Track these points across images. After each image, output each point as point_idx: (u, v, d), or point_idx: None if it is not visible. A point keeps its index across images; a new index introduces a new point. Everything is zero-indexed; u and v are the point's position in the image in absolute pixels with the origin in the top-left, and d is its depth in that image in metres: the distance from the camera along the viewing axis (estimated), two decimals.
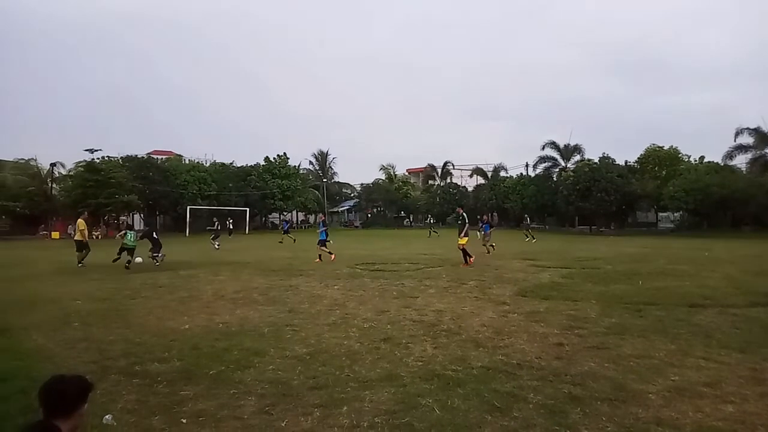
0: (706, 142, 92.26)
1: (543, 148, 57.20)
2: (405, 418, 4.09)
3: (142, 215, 56.86)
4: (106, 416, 4.05)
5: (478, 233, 21.81)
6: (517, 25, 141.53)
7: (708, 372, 5.17)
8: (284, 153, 62.42)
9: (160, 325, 7.65)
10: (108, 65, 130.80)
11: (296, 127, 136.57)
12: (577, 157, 55.44)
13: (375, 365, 5.50)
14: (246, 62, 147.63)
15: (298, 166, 66.97)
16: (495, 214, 63.69)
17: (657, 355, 5.80)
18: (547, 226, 57.53)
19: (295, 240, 31.80)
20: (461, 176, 72.12)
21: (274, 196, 58.04)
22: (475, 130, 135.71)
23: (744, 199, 40.18)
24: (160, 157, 61.07)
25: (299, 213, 69.22)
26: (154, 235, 17.83)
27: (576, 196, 48.16)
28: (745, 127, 44.10)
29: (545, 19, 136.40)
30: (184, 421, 4.08)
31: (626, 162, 52.17)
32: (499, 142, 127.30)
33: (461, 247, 16.00)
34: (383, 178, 73.37)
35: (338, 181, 78.80)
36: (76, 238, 17.60)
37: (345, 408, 4.30)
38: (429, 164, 73.11)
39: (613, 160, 50.71)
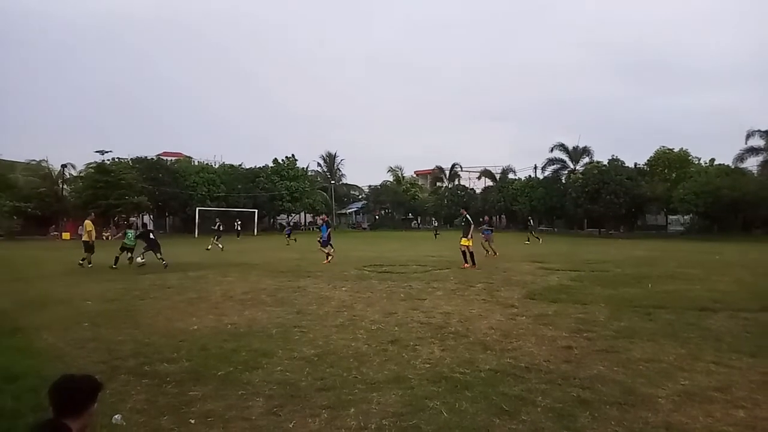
0: (717, 145, 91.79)
1: (552, 150, 57.18)
2: (412, 420, 4.08)
3: (151, 216, 57.24)
4: (116, 416, 4.07)
5: (481, 234, 21.70)
6: (525, 25, 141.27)
7: (718, 376, 5.12)
8: (292, 155, 62.77)
9: (169, 326, 7.68)
10: (117, 68, 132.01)
11: (304, 129, 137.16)
12: (586, 160, 55.34)
13: (383, 367, 5.50)
14: (252, 65, 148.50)
15: (307, 167, 67.26)
16: (503, 216, 63.63)
17: (667, 359, 5.75)
18: (555, 229, 57.34)
19: (295, 240, 31.87)
20: (469, 178, 72.09)
21: (282, 197, 58.29)
22: (483, 132, 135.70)
23: (755, 202, 39.82)
24: (169, 158, 61.59)
25: (307, 215, 69.38)
26: (151, 236, 17.91)
27: (585, 199, 47.99)
28: (757, 129, 43.88)
29: (554, 20, 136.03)
30: (193, 421, 4.10)
31: (636, 164, 51.96)
32: (507, 144, 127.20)
33: (463, 249, 15.94)
34: (391, 180, 73.49)
35: (346, 183, 79.03)
36: (83, 239, 17.72)
37: (352, 410, 4.30)
38: (437, 166, 73.14)
39: (623, 163, 50.52)
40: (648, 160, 51.67)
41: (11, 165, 48.79)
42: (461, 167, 71.50)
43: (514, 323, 7.77)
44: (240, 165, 61.98)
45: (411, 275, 14.05)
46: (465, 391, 4.71)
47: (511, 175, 63.28)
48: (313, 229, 62.73)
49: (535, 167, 60.60)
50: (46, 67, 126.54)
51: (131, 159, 52.92)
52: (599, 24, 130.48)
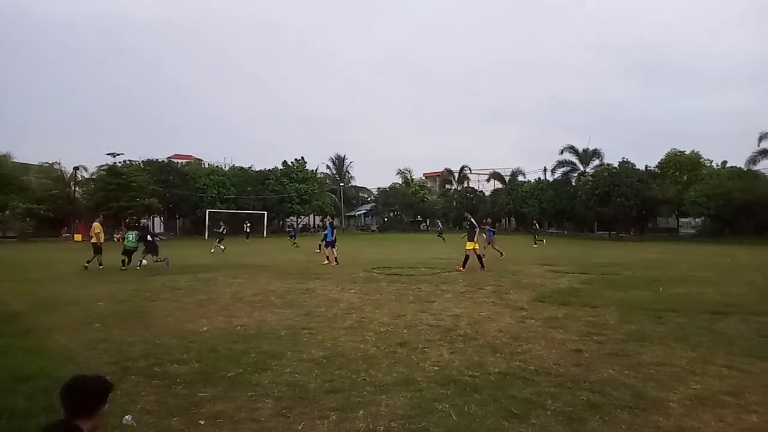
0: (729, 147, 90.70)
1: (561, 153, 56.90)
2: (421, 423, 4.07)
3: (162, 218, 57.67)
4: (126, 417, 4.10)
5: (484, 236, 21.62)
6: (534, 26, 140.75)
7: (731, 380, 5.07)
8: (302, 157, 62.94)
9: (179, 327, 7.72)
10: (129, 73, 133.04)
11: (313, 132, 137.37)
12: (596, 162, 55.06)
13: (391, 369, 5.49)
14: (261, 68, 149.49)
15: (316, 170, 67.39)
16: (512, 218, 63.42)
17: (678, 362, 5.70)
18: (565, 231, 57.04)
19: (298, 245, 31.97)
20: (478, 181, 72.01)
21: (291, 200, 58.46)
22: (493, 134, 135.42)
23: None
24: (180, 161, 62.02)
25: (316, 217, 69.52)
26: (149, 238, 18.02)
27: (595, 201, 47.72)
28: None
29: (564, 20, 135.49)
30: (202, 422, 4.12)
31: (646, 167, 51.59)
32: (517, 147, 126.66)
33: (468, 253, 15.90)
34: (400, 182, 73.48)
35: (355, 185, 79.13)
36: (92, 241, 17.82)
37: (361, 412, 4.30)
38: (446, 168, 73.02)
39: (633, 165, 50.17)
40: (659, 163, 51.29)
41: (24, 167, 49.36)
42: (470, 169, 71.42)
43: (524, 326, 7.73)
44: (250, 167, 62.27)
45: (420, 277, 14.04)
46: (474, 394, 4.70)
47: (520, 178, 63.04)
48: (317, 231, 63.08)
49: (545, 169, 60.38)
50: (59, 71, 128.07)
51: (142, 161, 53.34)
52: (609, 25, 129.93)
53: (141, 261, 17.46)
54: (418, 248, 29.44)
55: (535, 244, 31.95)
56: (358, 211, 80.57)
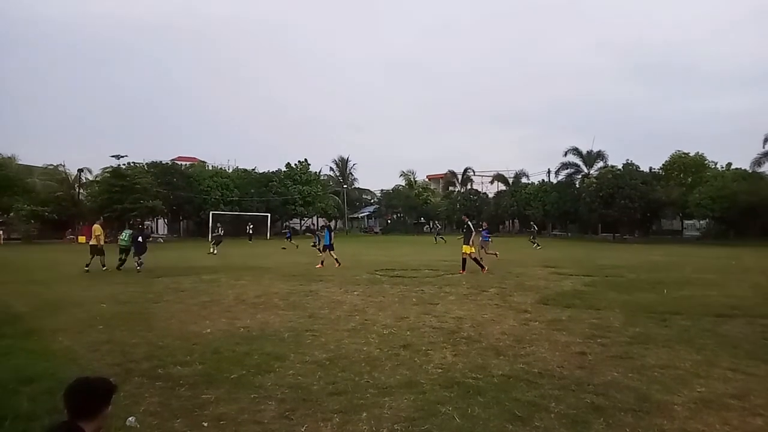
0: (734, 149, 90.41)
1: (565, 155, 56.75)
2: (425, 425, 4.06)
3: (166, 220, 57.81)
4: (130, 418, 4.10)
5: (480, 239, 21.56)
6: (538, 27, 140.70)
7: (735, 383, 5.05)
8: (305, 159, 62.96)
9: (183, 329, 7.74)
10: (134, 76, 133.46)
11: (317, 134, 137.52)
12: (600, 164, 54.87)
13: (395, 372, 5.49)
14: (264, 71, 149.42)
15: (319, 172, 67.43)
16: (516, 220, 63.34)
17: (682, 365, 5.68)
18: (569, 234, 56.91)
19: (297, 246, 31.81)
20: (482, 182, 71.81)
21: (295, 202, 58.50)
22: (496, 137, 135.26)
23: None
24: (184, 163, 62.20)
25: (319, 218, 69.57)
26: (139, 239, 18.12)
27: (599, 203, 47.60)
28: None
29: (569, 22, 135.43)
30: (206, 424, 4.12)
31: (651, 168, 51.44)
32: (520, 149, 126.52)
33: (465, 256, 15.92)
34: (403, 184, 73.47)
35: (358, 187, 79.13)
36: (91, 242, 17.81)
37: (364, 414, 4.30)
38: (449, 170, 72.99)
39: (637, 167, 50.03)
40: (663, 165, 51.16)
41: (29, 169, 49.51)
42: (474, 171, 71.26)
43: (527, 328, 7.72)
44: (253, 169, 62.36)
45: (423, 279, 14.03)
46: (477, 396, 4.69)
47: (524, 180, 62.89)
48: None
49: (549, 171, 60.23)
50: (63, 74, 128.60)
51: (146, 163, 53.44)
52: (614, 26, 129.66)
53: (139, 263, 17.64)
54: (422, 250, 29.43)
55: (539, 246, 31.92)
56: (362, 213, 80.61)
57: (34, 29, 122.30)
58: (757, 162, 44.18)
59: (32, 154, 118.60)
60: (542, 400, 4.59)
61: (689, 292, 11.48)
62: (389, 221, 74.07)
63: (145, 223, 53.31)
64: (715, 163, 49.49)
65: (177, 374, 5.38)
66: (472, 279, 14.07)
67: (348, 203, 71.98)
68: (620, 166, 50.45)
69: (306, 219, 64.31)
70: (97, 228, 17.99)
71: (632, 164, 50.13)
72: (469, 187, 70.67)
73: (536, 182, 60.86)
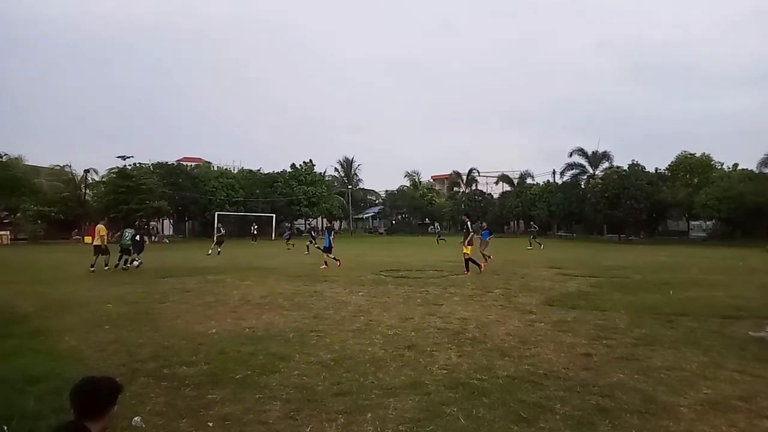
0: (740, 149, 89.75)
1: (570, 155, 56.60)
2: (429, 426, 4.06)
3: (171, 221, 57.99)
4: (135, 418, 4.12)
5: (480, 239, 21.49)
6: (541, 27, 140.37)
7: (742, 385, 5.02)
8: (310, 160, 63.06)
9: (188, 329, 7.76)
10: (140, 77, 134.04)
11: (322, 135, 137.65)
12: (606, 164, 54.68)
13: (399, 372, 5.49)
14: (268, 72, 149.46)
15: (324, 173, 67.53)
16: (521, 221, 63.19)
17: (688, 367, 5.65)
18: (574, 234, 56.74)
19: (294, 245, 31.83)
20: (487, 183, 71.74)
21: (300, 202, 58.60)
22: (501, 137, 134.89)
23: None
24: (189, 163, 62.37)
25: (324, 219, 69.66)
26: (137, 238, 18.34)
27: (604, 204, 47.45)
28: None
29: (572, 21, 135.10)
30: (211, 424, 4.13)
31: (656, 169, 51.24)
32: (525, 149, 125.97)
33: (466, 257, 15.93)
34: (408, 185, 73.45)
35: (363, 188, 79.18)
36: (95, 243, 17.84)
37: (369, 415, 4.30)
38: (454, 171, 72.86)
39: (643, 168, 49.84)
40: (669, 165, 50.96)
41: (36, 170, 49.83)
42: (478, 172, 71.14)
43: (533, 330, 7.70)
44: (258, 170, 62.51)
45: (428, 280, 14.02)
46: (482, 397, 4.68)
47: (529, 180, 62.76)
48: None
49: (554, 172, 60.07)
50: (69, 75, 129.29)
51: (152, 164, 53.67)
52: (620, 26, 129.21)
53: (138, 261, 17.84)
54: (426, 251, 29.41)
55: (530, 246, 32.02)
56: (366, 213, 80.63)
57: (39, 31, 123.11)
58: (764, 162, 43.89)
59: (39, 154, 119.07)
60: (547, 401, 4.58)
61: (695, 293, 11.42)
62: (394, 222, 74.08)
63: (151, 223, 53.55)
64: (722, 164, 49.26)
65: (182, 374, 5.40)
66: (476, 280, 14.05)
67: (353, 204, 72.03)
68: (626, 167, 50.29)
69: (311, 219, 64.37)
70: (101, 228, 18.06)
71: (638, 165, 49.96)
72: (473, 187, 70.57)
73: (541, 183, 60.73)
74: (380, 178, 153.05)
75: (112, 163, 53.13)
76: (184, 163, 61.15)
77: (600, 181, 50.77)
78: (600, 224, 52.88)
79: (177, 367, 5.68)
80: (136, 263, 17.97)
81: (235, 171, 61.24)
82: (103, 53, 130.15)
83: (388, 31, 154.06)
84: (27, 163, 49.71)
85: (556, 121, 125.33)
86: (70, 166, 53.23)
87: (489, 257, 19.57)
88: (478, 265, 15.90)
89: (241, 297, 11.03)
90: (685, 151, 50.36)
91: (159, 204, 46.71)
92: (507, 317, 8.68)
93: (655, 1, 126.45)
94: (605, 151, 55.28)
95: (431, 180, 79.43)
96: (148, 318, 8.71)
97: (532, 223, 42.31)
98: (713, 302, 10.08)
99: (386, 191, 78.22)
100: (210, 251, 26.11)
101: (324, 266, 17.85)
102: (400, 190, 73.26)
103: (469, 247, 16.00)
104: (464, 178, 71.50)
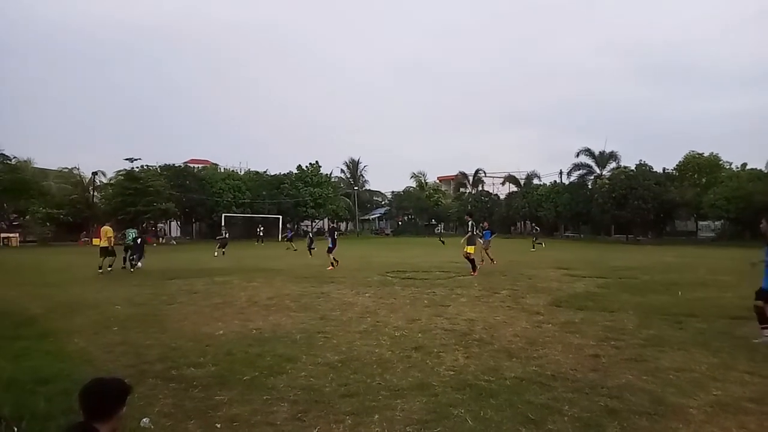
0: (749, 148, 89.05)
1: (577, 155, 56.39)
2: (437, 428, 4.05)
3: (179, 223, 58.25)
4: (144, 419, 4.14)
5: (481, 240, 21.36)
6: (548, 27, 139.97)
7: (753, 387, 4.97)
8: (316, 161, 63.23)
9: (196, 331, 7.79)
10: (148, 80, 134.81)
11: (328, 136, 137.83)
12: (613, 165, 54.45)
13: (406, 374, 5.48)
14: (275, 73, 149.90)
15: (330, 174, 67.63)
16: (528, 222, 62.97)
17: (698, 368, 5.61)
18: (582, 235, 56.49)
19: (296, 249, 31.31)
20: (493, 184, 71.56)
21: (306, 204, 58.71)
22: (507, 137, 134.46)
23: None
24: (196, 165, 62.67)
25: (327, 221, 69.77)
26: (138, 241, 18.57)
27: (612, 204, 47.22)
28: None
29: (577, 21, 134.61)
30: (219, 426, 4.14)
31: (664, 169, 50.96)
32: (532, 150, 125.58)
33: (470, 256, 15.89)
34: (414, 186, 73.38)
35: (369, 189, 79.17)
36: (102, 244, 17.89)
37: (376, 416, 4.29)
38: (460, 172, 72.79)
39: (651, 168, 49.57)
40: (677, 165, 50.71)
41: (44, 173, 50.29)
42: (485, 173, 71.02)
43: (540, 331, 7.67)
44: (265, 172, 62.76)
45: (434, 281, 14.00)
46: (490, 399, 4.67)
47: (535, 181, 62.53)
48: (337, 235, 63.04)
49: (561, 172, 59.89)
50: (77, 79, 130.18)
51: (159, 166, 53.95)
52: (617, 27, 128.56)
53: (137, 263, 18.04)
54: (432, 252, 29.37)
55: (533, 248, 31.92)
56: (373, 214, 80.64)
57: (48, 34, 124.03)
58: None
59: (47, 157, 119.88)
60: (555, 403, 4.56)
61: (704, 294, 11.35)
62: (400, 223, 74.04)
63: (159, 225, 53.84)
64: (730, 164, 48.96)
65: (190, 375, 5.42)
66: (483, 281, 14.02)
67: (359, 205, 72.06)
68: (633, 167, 50.05)
69: (317, 221, 64.49)
70: (108, 230, 18.15)
71: (645, 165, 49.70)
72: (480, 188, 70.44)
73: (548, 183, 60.52)
74: (386, 179, 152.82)
75: (120, 165, 53.51)
76: (192, 165, 61.50)
77: (607, 181, 50.56)
78: (607, 225, 52.64)
79: (185, 368, 5.69)
80: (139, 264, 18.06)
81: (242, 173, 61.49)
82: (110, 56, 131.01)
83: (396, 33, 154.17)
84: (36, 166, 50.19)
85: (562, 122, 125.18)
86: (78, 169, 53.70)
87: (493, 260, 19.56)
88: (474, 267, 15.87)
89: (248, 298, 11.06)
90: (693, 151, 50.14)
91: (166, 206, 46.95)
92: (514, 318, 8.65)
93: (658, 2, 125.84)
94: (612, 151, 55.10)
95: (437, 181, 79.34)
96: (156, 319, 8.75)
97: (533, 224, 42.12)
98: (722, 303, 10.00)
99: (392, 192, 78.22)
100: (216, 253, 26.38)
101: (330, 267, 17.89)
102: (407, 191, 73.20)
103: (472, 246, 15.96)
104: (470, 178, 71.44)
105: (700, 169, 48.75)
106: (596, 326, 7.90)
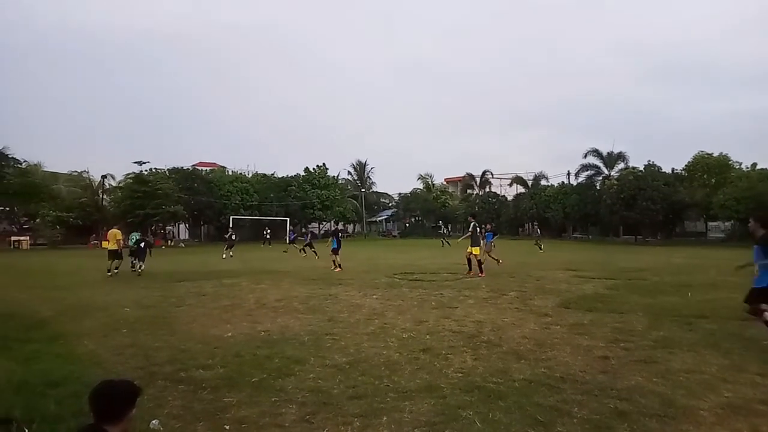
0: (759, 149, 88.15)
1: (585, 156, 55.99)
2: (445, 430, 4.05)
3: (187, 225, 58.52)
4: (153, 421, 4.16)
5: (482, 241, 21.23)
6: (555, 27, 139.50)
7: (764, 389, 4.93)
8: (323, 164, 63.31)
9: (204, 333, 7.82)
10: (155, 83, 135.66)
11: (335, 138, 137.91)
12: (621, 165, 54.04)
13: (414, 376, 5.48)
14: (282, 77, 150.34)
15: (337, 176, 67.70)
16: (536, 223, 62.75)
17: (708, 370, 5.57)
18: (590, 236, 56.21)
19: (298, 251, 30.98)
20: (500, 185, 71.29)
21: (313, 206, 58.81)
22: (514, 138, 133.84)
23: None
24: (204, 168, 62.93)
25: (337, 223, 69.78)
26: (141, 245, 18.67)
27: (620, 205, 46.90)
28: None
29: (586, 21, 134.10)
30: (228, 427, 4.16)
31: (673, 170, 50.56)
32: (539, 151, 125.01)
33: (476, 257, 15.85)
34: (421, 188, 73.30)
35: (376, 191, 79.13)
36: (110, 247, 17.93)
37: (385, 418, 4.29)
38: (467, 173, 72.55)
39: (659, 168, 49.20)
40: (686, 166, 50.30)
41: (54, 176, 50.59)
42: (492, 174, 70.71)
43: (549, 332, 7.64)
44: (272, 174, 62.87)
45: (442, 283, 13.98)
46: (498, 401, 4.65)
47: (543, 182, 62.18)
48: (343, 236, 63.10)
49: (569, 173, 59.55)
50: (87, 83, 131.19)
51: (168, 169, 54.19)
52: (634, 26, 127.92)
53: (138, 267, 18.18)
54: (440, 253, 29.33)
55: (542, 249, 31.67)
56: (380, 216, 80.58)
57: (58, 39, 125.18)
58: None
59: (57, 161, 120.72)
60: (564, 405, 4.54)
61: (715, 295, 11.26)
62: (407, 225, 73.95)
63: (167, 227, 54.11)
64: (740, 164, 48.50)
65: (199, 377, 5.44)
66: (491, 282, 13.98)
67: (366, 207, 72.05)
68: (642, 168, 49.73)
69: (325, 223, 64.58)
70: (117, 233, 18.28)
71: (654, 165, 49.33)
72: (487, 189, 70.25)
73: (556, 184, 60.24)
74: (393, 180, 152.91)
75: (129, 168, 53.73)
76: (200, 168, 61.70)
77: (615, 182, 50.23)
78: (616, 226, 52.30)
79: (194, 370, 5.72)
80: (139, 267, 18.19)
81: (250, 175, 61.66)
82: (119, 61, 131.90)
83: (401, 34, 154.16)
84: (45, 169, 50.47)
85: (569, 123, 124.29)
86: (87, 172, 53.92)
87: (498, 261, 19.50)
88: (470, 268, 15.83)
89: (257, 300, 11.09)
90: (702, 151, 49.71)
91: (175, 209, 47.17)
92: (522, 320, 8.62)
93: (663, 2, 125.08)
94: (620, 152, 54.68)
95: (444, 182, 79.22)
96: (165, 322, 8.80)
97: (535, 225, 41.93)
98: (733, 304, 9.86)
99: (399, 194, 78.15)
100: (224, 255, 26.52)
101: (338, 269, 17.91)
102: (414, 193, 73.10)
103: (476, 248, 15.93)
104: (478, 180, 71.19)
105: (710, 169, 48.33)
106: (605, 328, 7.86)
